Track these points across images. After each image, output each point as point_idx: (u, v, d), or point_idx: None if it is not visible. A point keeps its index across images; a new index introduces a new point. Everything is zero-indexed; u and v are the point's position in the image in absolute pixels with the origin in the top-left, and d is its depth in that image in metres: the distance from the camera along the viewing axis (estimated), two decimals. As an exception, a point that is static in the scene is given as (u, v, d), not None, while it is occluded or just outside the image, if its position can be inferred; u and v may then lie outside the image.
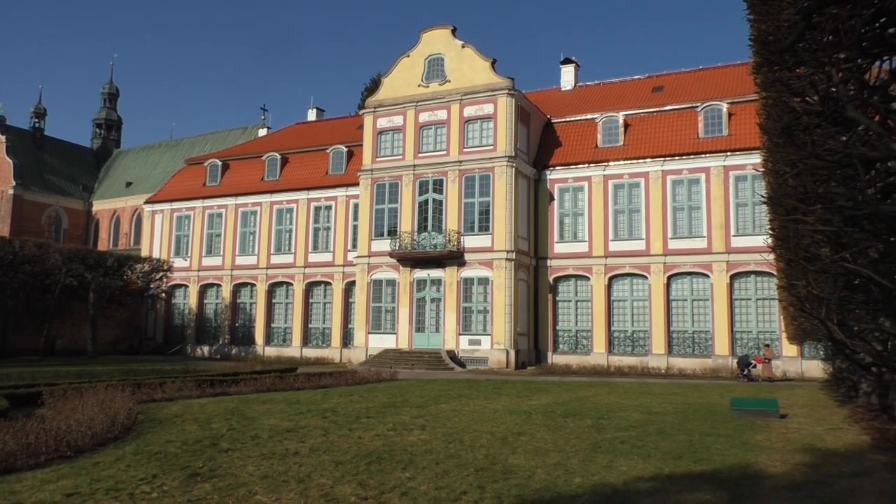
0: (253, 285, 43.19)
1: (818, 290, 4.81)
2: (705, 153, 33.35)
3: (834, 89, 3.48)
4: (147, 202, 48.59)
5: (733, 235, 32.37)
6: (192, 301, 44.58)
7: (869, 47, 3.14)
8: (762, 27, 5.19)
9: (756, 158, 28.78)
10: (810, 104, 3.98)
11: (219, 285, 44.16)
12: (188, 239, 45.56)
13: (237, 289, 43.77)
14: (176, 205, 46.32)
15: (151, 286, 43.24)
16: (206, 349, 43.60)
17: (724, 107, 33.78)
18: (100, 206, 67.86)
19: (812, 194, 3.93)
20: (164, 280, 43.98)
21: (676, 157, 33.93)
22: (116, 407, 13.00)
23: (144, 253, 45.97)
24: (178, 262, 44.95)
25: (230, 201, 44.30)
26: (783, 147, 4.41)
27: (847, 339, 5.50)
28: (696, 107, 34.71)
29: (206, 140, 67.03)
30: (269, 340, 42.21)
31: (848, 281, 5.58)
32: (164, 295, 45.14)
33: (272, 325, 42.54)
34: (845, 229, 3.56)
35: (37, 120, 69.74)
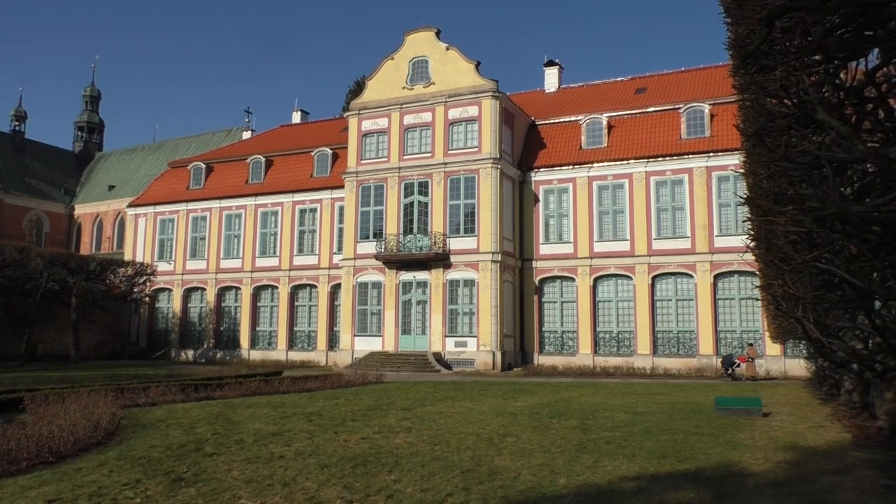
0: (238, 289, 42.99)
1: (794, 290, 4.89)
2: (688, 154, 33.64)
3: (805, 93, 3.56)
4: (130, 205, 48.24)
5: (716, 236, 32.66)
6: (177, 305, 44.29)
7: (835, 51, 3.22)
8: (738, 30, 5.28)
9: (738, 159, 29.10)
10: (786, 107, 4.06)
11: (203, 289, 43.90)
12: (172, 242, 45.28)
13: (222, 292, 43.56)
14: (159, 208, 46.02)
15: (135, 290, 42.89)
16: (190, 353, 43.33)
17: (707, 108, 34.10)
18: (82, 209, 67.23)
19: (785, 196, 4.00)
20: (148, 284, 43.65)
21: (660, 159, 34.20)
22: (99, 412, 12.90)
23: (128, 257, 45.62)
24: (162, 266, 44.65)
25: (214, 204, 44.08)
26: (757, 149, 4.49)
27: (823, 337, 5.60)
28: (679, 108, 35.01)
29: (189, 143, 66.63)
30: (254, 344, 42.03)
31: (827, 280, 5.69)
32: (147, 299, 44.82)
33: (257, 329, 42.36)
34: (816, 230, 3.64)
35: (17, 123, 68.98)
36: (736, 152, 30.77)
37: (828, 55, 3.28)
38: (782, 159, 3.73)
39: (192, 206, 44.92)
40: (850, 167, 4.37)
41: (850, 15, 2.89)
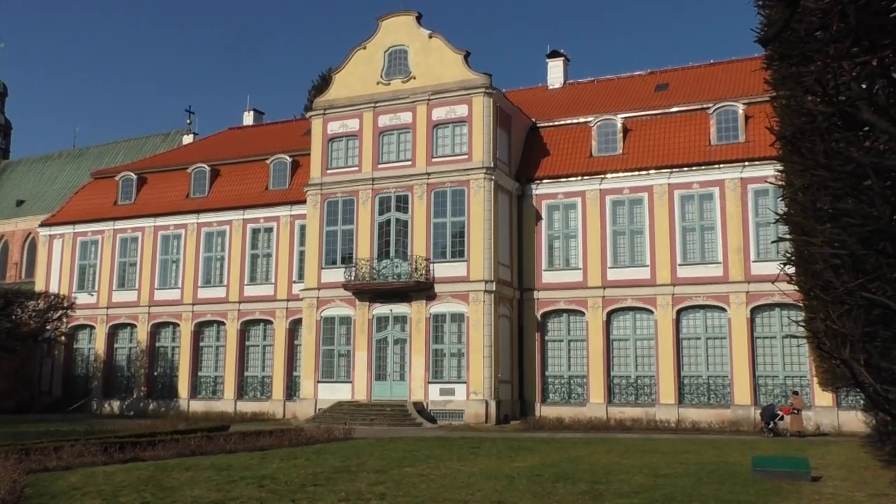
0: (176, 325, 42.67)
1: (839, 325, 4.93)
2: (719, 163, 34.02)
3: (846, 88, 3.62)
4: (43, 224, 47.94)
5: (753, 261, 32.92)
6: (100, 345, 43.87)
7: (879, 37, 3.27)
8: (771, 14, 5.38)
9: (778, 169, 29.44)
10: (824, 104, 4.12)
11: (133, 325, 43.55)
12: (95, 269, 44.98)
13: (156, 330, 43.19)
14: (80, 227, 45.77)
15: (48, 328, 42.42)
16: (115, 405, 42.84)
17: (741, 108, 34.58)
18: (-15, 229, 66.71)
19: (823, 211, 4.04)
20: (64, 320, 43.20)
21: (685, 168, 34.55)
22: (-1, 478, 12.68)
23: (39, 287, 45.19)
24: (83, 298, 44.27)
25: (148, 223, 43.91)
26: (791, 156, 4.54)
27: (877, 383, 5.62)
28: (708, 108, 35.48)
29: (117, 149, 66.55)
30: (195, 392, 41.63)
31: (884, 314, 5.72)
32: (63, 339, 44.36)
33: (199, 374, 41.99)
34: (861, 252, 3.67)
35: None
36: (776, 161, 31.16)
37: (871, 42, 3.33)
38: (819, 167, 3.78)
39: (120, 224, 44.70)
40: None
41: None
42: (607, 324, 34.99)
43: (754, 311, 32.90)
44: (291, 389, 39.31)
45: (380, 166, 36.83)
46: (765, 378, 32.72)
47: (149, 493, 13.15)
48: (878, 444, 23.67)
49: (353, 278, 35.63)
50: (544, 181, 36.92)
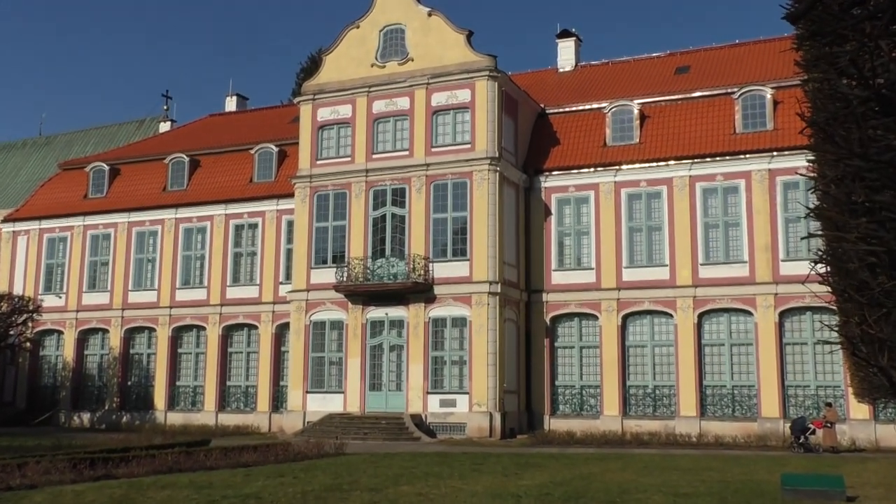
0: (152, 330, 42.70)
1: (875, 330, 4.91)
2: (745, 153, 34.01)
3: (885, 70, 3.60)
4: (6, 220, 47.94)
5: (782, 260, 32.91)
6: (69, 352, 43.91)
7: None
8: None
9: (809, 160, 29.44)
10: (860, 88, 4.11)
11: (105, 330, 43.58)
12: (63, 269, 45.02)
13: (130, 335, 43.23)
14: (47, 223, 45.81)
15: (11, 333, 42.42)
16: (86, 417, 42.88)
17: (769, 93, 34.56)
18: (-56, 225, 66.77)
19: (857, 205, 4.02)
20: (30, 325, 43.26)
21: (708, 159, 34.54)
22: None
23: (2, 288, 45.18)
24: (50, 301, 44.31)
25: (121, 218, 43.94)
26: (824, 144, 4.52)
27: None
28: (733, 93, 35.47)
29: (88, 137, 66.52)
30: (172, 404, 41.67)
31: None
32: (28, 345, 44.39)
33: (177, 384, 42.02)
34: (898, 249, 3.66)
35: None
36: (807, 150, 31.15)
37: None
38: (854, 157, 3.76)
39: (90, 220, 44.73)
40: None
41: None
42: (622, 329, 34.98)
43: (783, 314, 32.88)
44: (278, 400, 39.31)
45: (374, 157, 36.82)
46: (795, 388, 32.70)
47: (122, 514, 13.14)
48: (918, 460, 23.69)
49: (345, 279, 35.63)
50: (554, 173, 36.91)
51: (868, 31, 3.48)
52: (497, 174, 34.69)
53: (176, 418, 40.73)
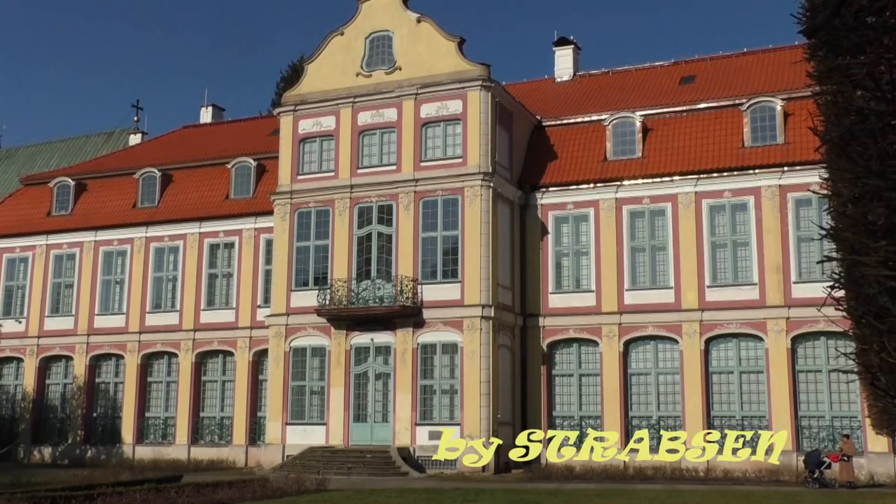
0: (119, 357, 42.52)
1: (894, 359, 4.91)
2: (754, 168, 34.19)
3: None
4: (-35, 239, 47.79)
5: (794, 282, 33.02)
6: (29, 381, 43.67)
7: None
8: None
9: (822, 176, 29.61)
10: (876, 101, 4.14)
11: (69, 358, 43.38)
12: (24, 291, 44.87)
13: (96, 363, 43.04)
14: (6, 242, 45.70)
15: (-31, 360, 42.23)
16: (47, 452, 42.60)
17: (779, 104, 34.80)
18: None
19: (878, 226, 4.03)
20: (-11, 351, 43.03)
21: (715, 174, 34.71)
22: None
23: (-41, 312, 45.05)
24: (8, 326, 44.07)
25: (87, 237, 43.85)
26: (838, 161, 4.55)
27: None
28: (741, 104, 35.69)
29: (52, 150, 66.46)
30: (142, 437, 41.44)
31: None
32: (-13, 373, 44.13)
33: (147, 415, 41.81)
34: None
35: None
36: (820, 166, 31.33)
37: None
38: (872, 175, 3.78)
39: (54, 239, 44.63)
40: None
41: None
42: (624, 355, 34.98)
43: (796, 340, 32.95)
44: (255, 433, 39.13)
45: (359, 171, 36.87)
46: (808, 419, 32.72)
47: (86, 556, 13.04)
48: (941, 495, 23.71)
49: (327, 302, 35.56)
50: (551, 189, 37.01)
51: (886, 42, 3.52)
52: (490, 190, 34.77)
53: (145, 452, 40.47)
